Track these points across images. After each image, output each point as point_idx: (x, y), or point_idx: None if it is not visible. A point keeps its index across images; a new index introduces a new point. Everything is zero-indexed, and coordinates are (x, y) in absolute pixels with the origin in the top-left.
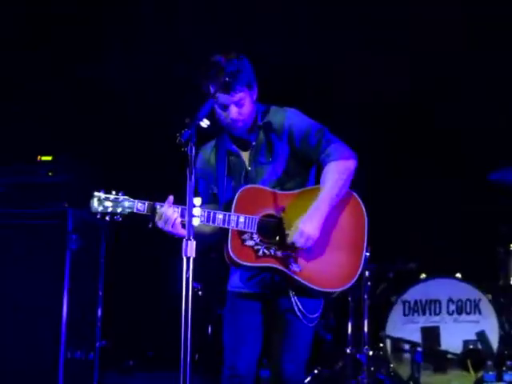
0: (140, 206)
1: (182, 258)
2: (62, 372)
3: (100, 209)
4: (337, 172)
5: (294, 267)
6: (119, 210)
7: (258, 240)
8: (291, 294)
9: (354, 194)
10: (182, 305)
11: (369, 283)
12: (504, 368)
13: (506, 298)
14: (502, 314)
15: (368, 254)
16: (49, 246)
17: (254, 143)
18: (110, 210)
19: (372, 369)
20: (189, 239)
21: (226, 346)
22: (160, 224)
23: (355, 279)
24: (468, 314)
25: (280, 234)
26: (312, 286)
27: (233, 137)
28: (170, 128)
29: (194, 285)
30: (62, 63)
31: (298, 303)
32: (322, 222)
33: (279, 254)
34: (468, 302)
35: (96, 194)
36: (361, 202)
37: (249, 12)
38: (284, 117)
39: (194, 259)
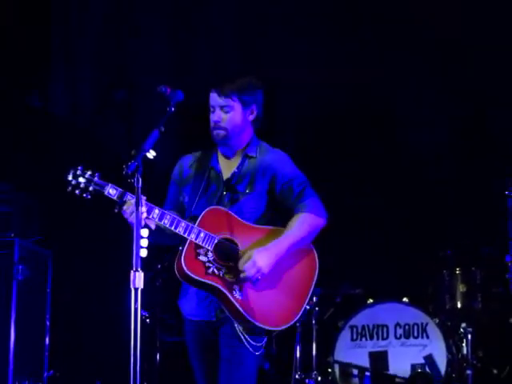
0: (111, 191)
1: (130, 287)
2: None
3: (73, 181)
4: (306, 222)
5: (237, 294)
6: (90, 188)
7: (211, 258)
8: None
9: (314, 250)
10: (130, 334)
11: (316, 308)
12: None
13: (452, 321)
14: (450, 337)
15: (308, 307)
16: None
17: (236, 170)
18: (82, 185)
19: None
20: (136, 270)
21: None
22: (126, 214)
23: (288, 325)
24: (415, 337)
25: (234, 260)
26: (247, 317)
27: (221, 156)
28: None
29: (142, 312)
30: (7, 92)
31: (242, 329)
32: (276, 261)
33: (228, 277)
34: (415, 326)
35: (73, 168)
36: (317, 259)
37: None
38: (273, 158)
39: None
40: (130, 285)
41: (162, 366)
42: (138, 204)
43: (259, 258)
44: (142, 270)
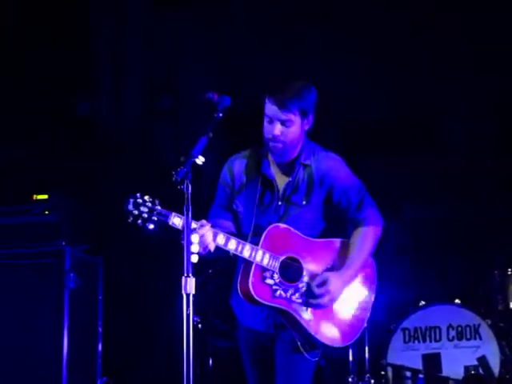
0: (176, 221)
1: (181, 294)
2: None
3: (135, 212)
4: (368, 238)
5: (306, 315)
6: (153, 217)
7: (278, 281)
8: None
9: (374, 261)
10: (182, 339)
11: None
12: None
13: (505, 322)
14: (502, 338)
15: (366, 325)
16: (47, 285)
17: (291, 179)
18: (144, 215)
19: None
20: (188, 276)
21: None
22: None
23: (354, 340)
24: (468, 339)
25: (300, 280)
26: (316, 338)
27: (272, 162)
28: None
29: (194, 318)
30: (55, 102)
31: (303, 342)
32: (347, 285)
33: (295, 299)
34: (468, 328)
35: (132, 197)
36: (376, 271)
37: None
38: (330, 166)
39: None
40: (181, 290)
41: (215, 371)
42: (188, 210)
43: (333, 285)
44: (194, 275)
